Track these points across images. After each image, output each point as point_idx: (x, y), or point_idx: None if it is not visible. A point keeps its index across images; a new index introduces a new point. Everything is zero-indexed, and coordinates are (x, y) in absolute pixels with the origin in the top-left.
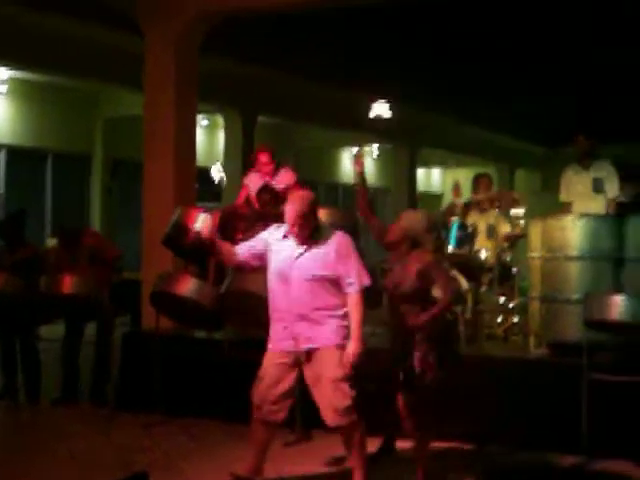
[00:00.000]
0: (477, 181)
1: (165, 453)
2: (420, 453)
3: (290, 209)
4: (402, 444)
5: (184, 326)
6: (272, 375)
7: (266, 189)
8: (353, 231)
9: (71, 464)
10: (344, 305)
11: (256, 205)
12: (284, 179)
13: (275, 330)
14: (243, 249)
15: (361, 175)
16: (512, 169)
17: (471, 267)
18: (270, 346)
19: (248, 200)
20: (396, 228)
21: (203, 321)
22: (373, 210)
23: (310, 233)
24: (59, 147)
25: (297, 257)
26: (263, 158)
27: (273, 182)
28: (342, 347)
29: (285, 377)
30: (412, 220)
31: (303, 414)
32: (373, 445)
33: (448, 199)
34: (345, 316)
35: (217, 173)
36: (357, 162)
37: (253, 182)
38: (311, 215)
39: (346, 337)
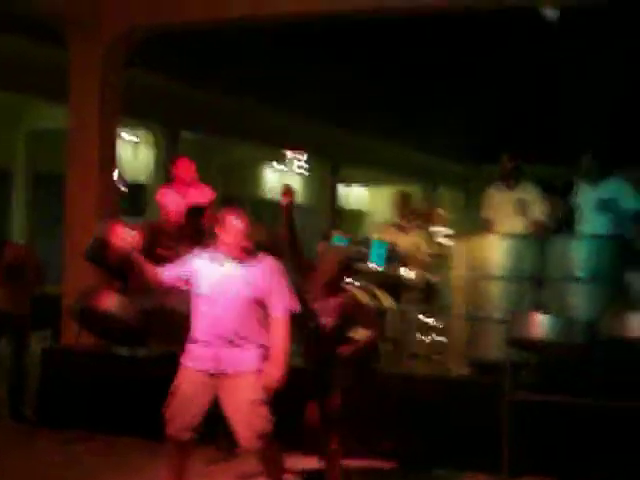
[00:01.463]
0: (394, 199)
1: (84, 469)
2: (333, 471)
3: (236, 230)
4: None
5: (106, 342)
6: (186, 392)
7: (195, 212)
8: (277, 249)
9: None
10: (267, 332)
11: (175, 220)
12: (200, 194)
13: (195, 349)
14: (169, 272)
15: (288, 211)
16: (435, 187)
17: (394, 285)
18: (187, 363)
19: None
20: (324, 269)
21: (126, 337)
22: (300, 246)
23: (240, 255)
24: None
25: (226, 279)
26: (183, 165)
27: (195, 200)
28: (260, 372)
29: (200, 396)
30: (333, 261)
31: (227, 430)
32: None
33: (372, 216)
34: (267, 341)
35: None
36: (285, 196)
37: (170, 199)
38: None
39: (262, 362)
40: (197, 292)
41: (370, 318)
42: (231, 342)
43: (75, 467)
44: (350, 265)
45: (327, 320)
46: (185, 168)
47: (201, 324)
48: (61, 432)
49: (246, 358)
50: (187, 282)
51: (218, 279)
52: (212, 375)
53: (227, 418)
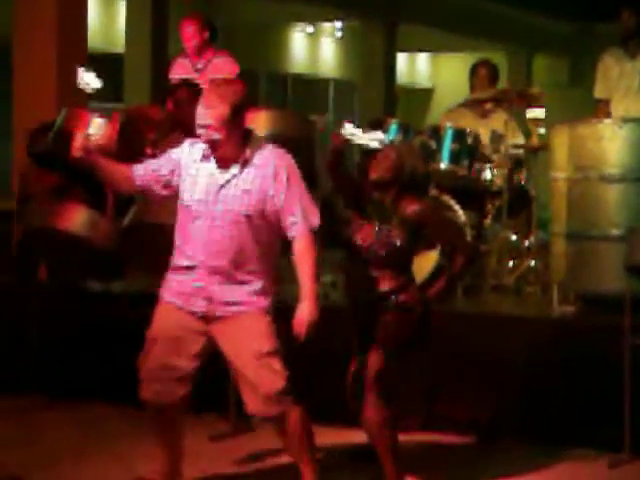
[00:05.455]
0: (474, 72)
1: (47, 448)
2: (384, 448)
3: (204, 113)
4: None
5: (71, 275)
6: (170, 335)
7: (184, 86)
8: (308, 143)
9: None
10: (277, 255)
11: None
12: (223, 69)
13: (179, 282)
14: (143, 172)
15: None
16: (530, 54)
17: (471, 191)
18: (168, 296)
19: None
20: (383, 163)
21: (98, 268)
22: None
23: (237, 150)
24: None
25: (221, 187)
26: (185, 28)
27: (199, 74)
28: (269, 312)
29: (189, 342)
30: (406, 154)
31: (239, 396)
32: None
33: (442, 95)
34: (274, 272)
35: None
36: (335, 137)
37: (181, 71)
38: (238, 123)
39: (269, 300)
40: (181, 202)
41: (463, 237)
42: (226, 273)
43: (32, 445)
44: (421, 168)
45: (385, 247)
46: (194, 24)
47: (186, 246)
48: (13, 398)
49: (246, 295)
50: (167, 186)
51: (210, 186)
52: (203, 318)
53: (236, 378)
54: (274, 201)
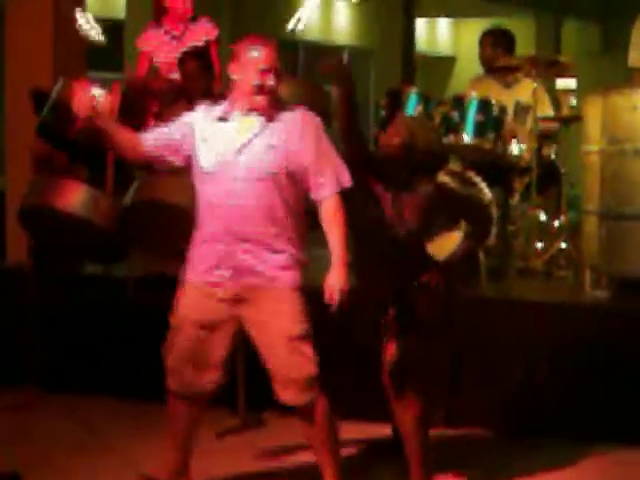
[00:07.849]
0: (480, 42)
1: (43, 445)
2: (417, 444)
3: (257, 64)
4: None
5: (68, 258)
6: (196, 322)
7: (193, 55)
8: (323, 113)
9: None
10: (306, 226)
11: (167, 75)
12: (200, 32)
13: (202, 255)
14: (153, 137)
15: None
16: (558, 20)
17: (497, 167)
18: (191, 277)
19: (154, 69)
20: (393, 139)
21: (97, 250)
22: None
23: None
24: None
25: (243, 146)
26: None
27: (177, 42)
28: (299, 290)
29: (217, 325)
30: (419, 129)
31: (249, 388)
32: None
33: (464, 64)
34: (304, 242)
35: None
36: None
37: (154, 41)
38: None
39: (300, 275)
40: (198, 167)
41: (471, 211)
42: (252, 240)
43: (27, 441)
44: (436, 145)
45: (402, 229)
46: None
47: (207, 215)
48: (9, 392)
49: (275, 265)
50: (179, 152)
51: (230, 146)
52: (228, 290)
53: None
54: (301, 159)
